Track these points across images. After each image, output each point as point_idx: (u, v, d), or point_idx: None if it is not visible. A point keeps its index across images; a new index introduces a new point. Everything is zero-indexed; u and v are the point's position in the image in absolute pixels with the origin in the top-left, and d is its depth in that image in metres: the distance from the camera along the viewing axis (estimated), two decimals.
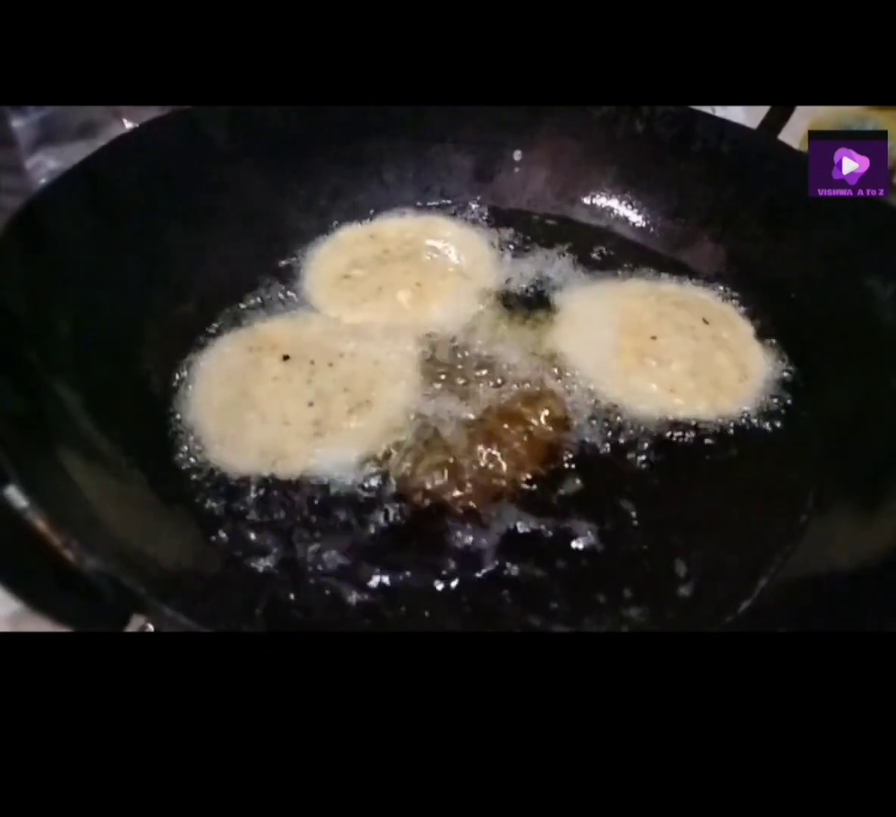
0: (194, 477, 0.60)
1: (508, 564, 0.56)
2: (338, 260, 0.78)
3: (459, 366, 0.69)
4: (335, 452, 0.62)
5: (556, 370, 0.69)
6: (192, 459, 0.61)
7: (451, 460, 0.61)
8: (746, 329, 0.74)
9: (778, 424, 0.67)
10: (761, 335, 0.74)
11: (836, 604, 0.52)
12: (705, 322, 0.73)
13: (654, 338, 0.71)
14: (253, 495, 0.59)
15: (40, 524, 0.42)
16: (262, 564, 0.56)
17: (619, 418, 0.66)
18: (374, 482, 0.60)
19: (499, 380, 0.68)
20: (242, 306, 0.73)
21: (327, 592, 0.54)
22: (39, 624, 0.46)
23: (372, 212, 0.84)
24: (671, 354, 0.70)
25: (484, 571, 0.56)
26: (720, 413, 0.67)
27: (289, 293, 0.75)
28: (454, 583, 0.55)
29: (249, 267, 0.76)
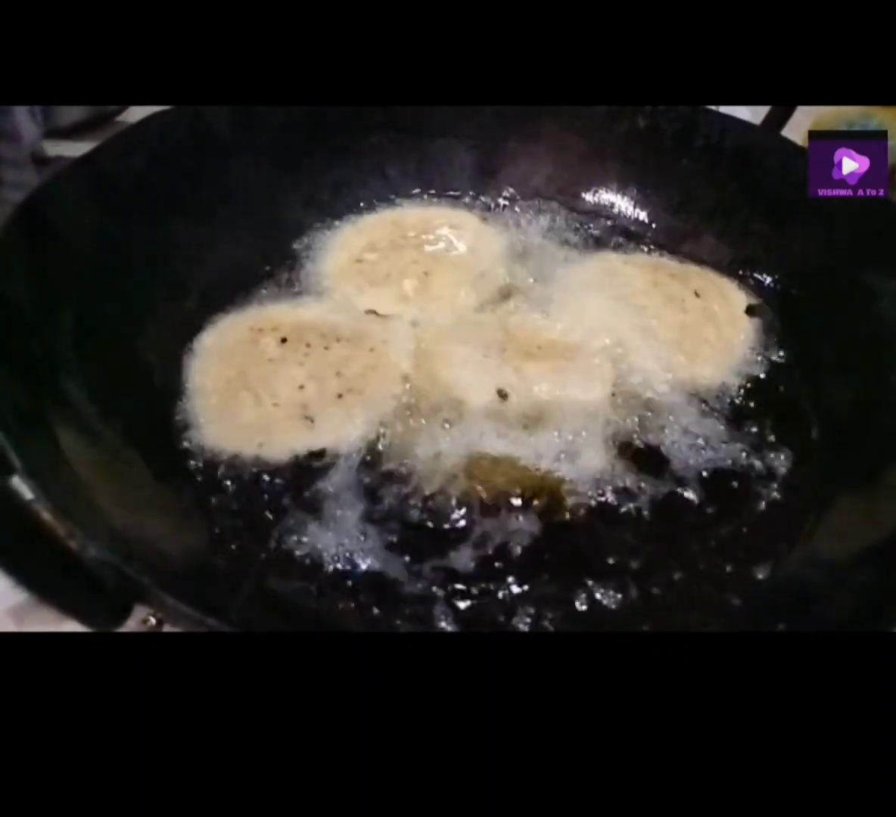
0: (192, 461, 0.60)
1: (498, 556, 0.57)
2: (356, 242, 0.79)
3: None
4: (321, 436, 0.62)
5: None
6: (190, 443, 0.61)
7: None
8: (739, 302, 0.75)
9: (778, 417, 0.67)
10: (761, 327, 0.74)
11: (834, 600, 0.52)
12: (697, 295, 0.74)
13: (644, 307, 0.72)
14: (245, 478, 0.60)
15: (45, 514, 0.42)
16: (254, 551, 0.56)
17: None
18: (359, 468, 0.60)
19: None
20: (245, 298, 0.73)
21: (314, 580, 0.55)
22: (42, 617, 0.47)
23: (376, 207, 0.84)
24: (658, 326, 0.71)
25: (471, 559, 0.56)
26: (700, 385, 0.68)
27: (293, 281, 0.75)
28: (439, 573, 0.55)
29: (251, 260, 0.76)
